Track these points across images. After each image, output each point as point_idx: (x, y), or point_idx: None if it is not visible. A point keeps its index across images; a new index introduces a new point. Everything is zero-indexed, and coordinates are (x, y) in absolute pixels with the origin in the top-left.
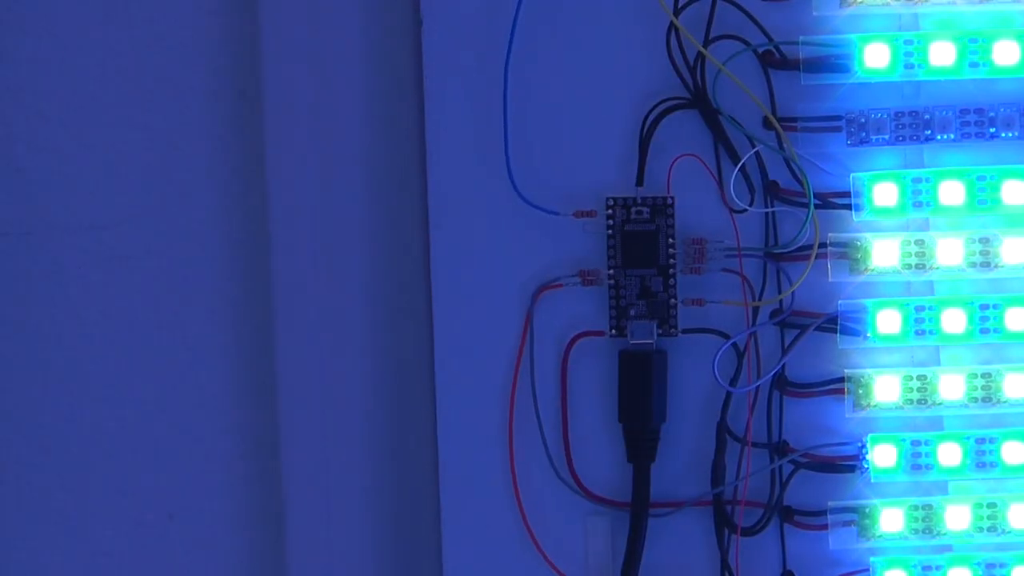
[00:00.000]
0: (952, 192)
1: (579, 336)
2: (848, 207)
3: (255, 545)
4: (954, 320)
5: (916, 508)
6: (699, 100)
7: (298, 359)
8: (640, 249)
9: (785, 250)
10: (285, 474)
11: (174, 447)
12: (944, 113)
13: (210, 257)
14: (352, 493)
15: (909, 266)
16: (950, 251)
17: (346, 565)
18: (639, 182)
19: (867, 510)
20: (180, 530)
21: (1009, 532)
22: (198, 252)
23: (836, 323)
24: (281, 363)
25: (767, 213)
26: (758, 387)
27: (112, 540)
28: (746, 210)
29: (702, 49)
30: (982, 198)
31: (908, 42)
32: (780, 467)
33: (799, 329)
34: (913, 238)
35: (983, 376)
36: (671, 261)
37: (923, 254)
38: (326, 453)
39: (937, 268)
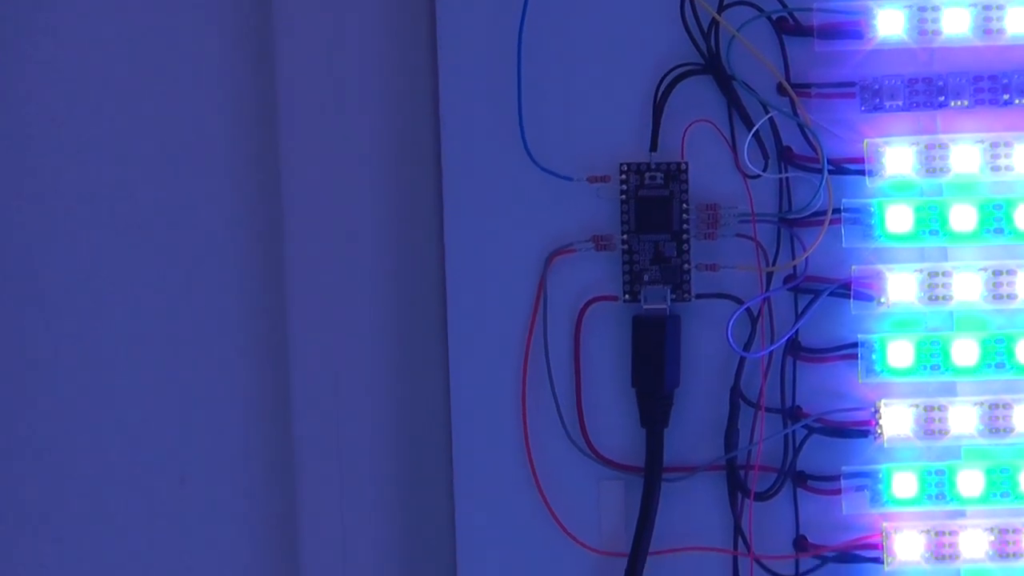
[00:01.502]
0: (966, 158)
1: (592, 301)
2: (862, 173)
3: (268, 508)
4: (967, 286)
5: (929, 473)
6: (713, 66)
7: (309, 315)
8: (654, 215)
9: (799, 216)
10: (297, 436)
11: (187, 412)
12: (958, 80)
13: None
14: (363, 457)
15: (923, 231)
16: (964, 217)
17: (359, 529)
18: (653, 148)
19: (880, 475)
20: (192, 494)
21: (1022, 497)
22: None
23: (849, 288)
24: (292, 320)
25: (781, 179)
26: (771, 352)
27: (125, 502)
28: (760, 176)
29: (716, 15)
30: (995, 164)
31: (922, 8)
32: (793, 432)
33: (813, 294)
34: (927, 203)
35: (997, 342)
36: (685, 227)
37: (937, 219)
38: (338, 416)
39: (951, 233)
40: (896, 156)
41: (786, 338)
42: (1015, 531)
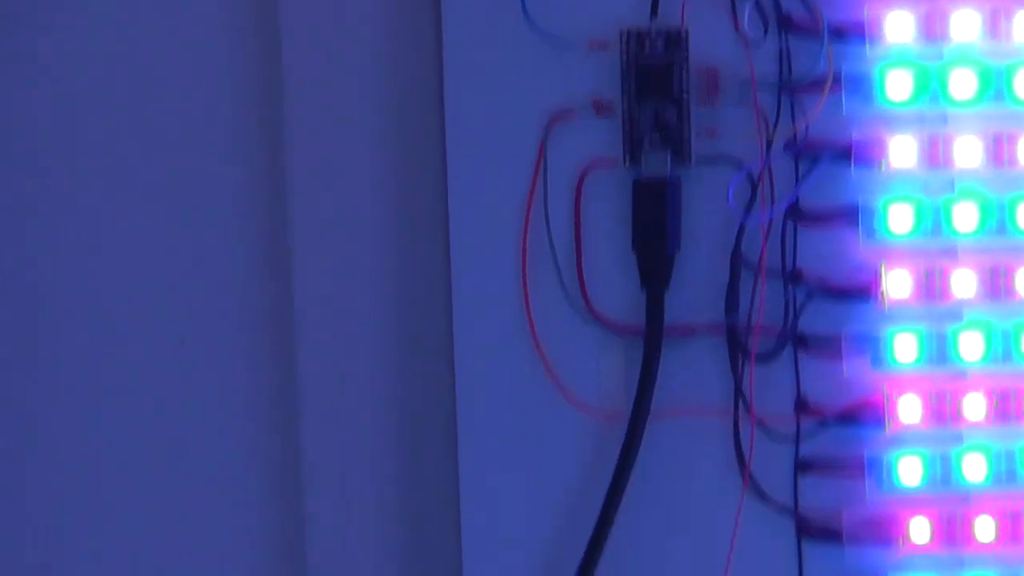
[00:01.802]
0: (966, 24)
1: (593, 166)
2: (862, 39)
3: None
4: (968, 151)
5: (930, 336)
6: None
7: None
8: (654, 82)
9: (799, 82)
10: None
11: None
12: None
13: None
14: (364, 315)
15: (923, 98)
16: (964, 83)
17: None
18: (653, 13)
19: (881, 338)
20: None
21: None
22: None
23: (850, 154)
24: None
25: (781, 46)
26: (772, 217)
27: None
28: (760, 42)
29: None
30: (995, 32)
31: None
32: (794, 295)
33: (813, 160)
34: (927, 69)
35: (999, 207)
36: (685, 94)
37: (937, 86)
38: (338, 282)
39: (951, 100)
40: (897, 22)
41: (787, 201)
42: (1016, 394)
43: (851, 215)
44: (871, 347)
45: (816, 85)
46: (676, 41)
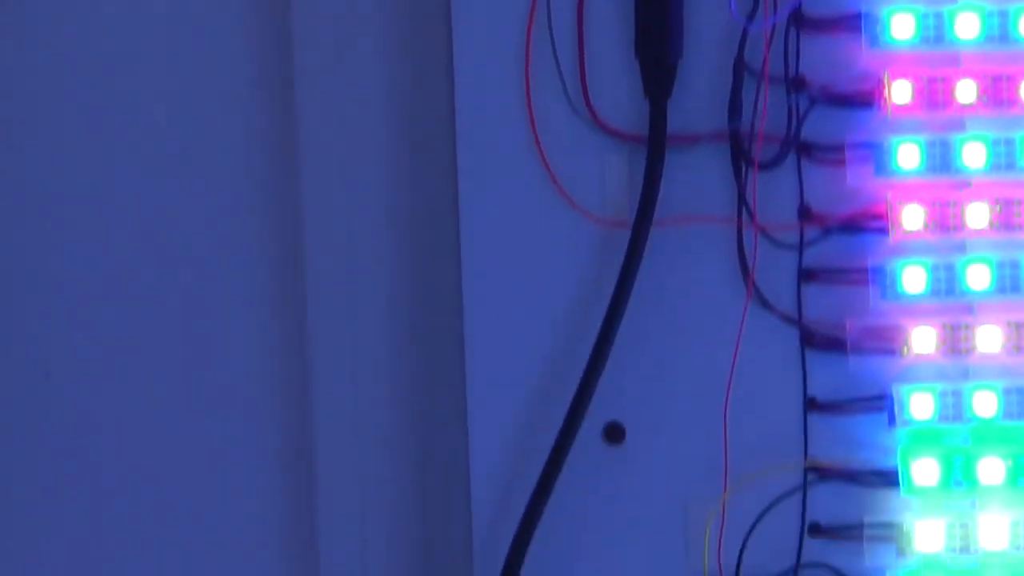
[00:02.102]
0: None
1: None
2: None
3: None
4: None
5: (933, 144)
6: None
7: None
8: None
9: None
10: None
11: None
12: None
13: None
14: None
15: None
16: None
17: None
18: None
19: (885, 146)
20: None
21: None
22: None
23: None
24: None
25: None
26: (775, 23)
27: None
28: None
29: None
30: None
31: None
32: (797, 102)
33: None
34: None
35: (1001, 16)
36: None
37: None
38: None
39: None
40: None
41: (789, 8)
42: (1019, 203)
43: (854, 22)
44: (874, 155)
45: None
46: None
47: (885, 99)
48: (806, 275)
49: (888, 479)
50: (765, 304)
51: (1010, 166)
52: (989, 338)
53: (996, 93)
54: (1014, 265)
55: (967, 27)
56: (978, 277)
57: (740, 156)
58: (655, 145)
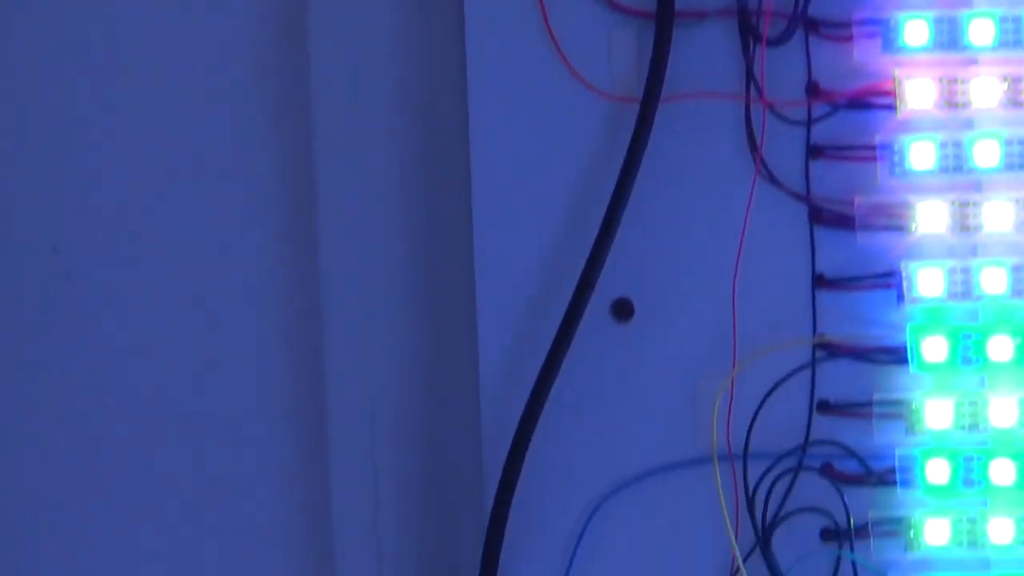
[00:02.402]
0: None
1: None
2: None
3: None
4: None
5: (940, 21)
6: None
7: None
8: None
9: None
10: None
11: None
12: None
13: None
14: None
15: None
16: None
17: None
18: None
19: (893, 21)
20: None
21: None
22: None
23: None
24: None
25: None
26: None
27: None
28: None
29: None
30: None
31: None
32: None
33: None
34: None
35: None
36: None
37: None
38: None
39: None
40: None
41: None
42: None
43: None
44: (882, 31)
45: None
46: None
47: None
48: (814, 151)
49: (897, 356)
50: (773, 180)
51: (1018, 43)
52: (998, 214)
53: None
54: (1022, 142)
55: None
56: (986, 153)
57: (748, 32)
58: (663, 21)
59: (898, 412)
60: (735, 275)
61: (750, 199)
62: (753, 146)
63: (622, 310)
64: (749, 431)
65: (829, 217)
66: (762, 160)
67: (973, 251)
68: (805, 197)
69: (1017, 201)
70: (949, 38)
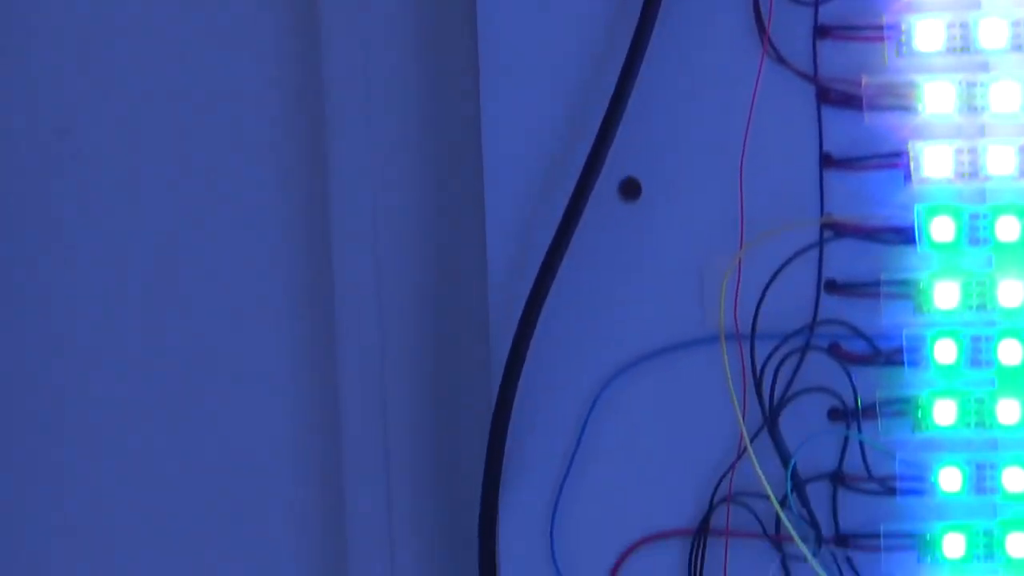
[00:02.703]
0: None
1: None
2: None
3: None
4: None
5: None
6: None
7: None
8: None
9: None
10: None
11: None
12: None
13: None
14: None
15: None
16: None
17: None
18: None
19: None
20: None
21: None
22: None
23: None
24: None
25: None
26: None
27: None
28: None
29: None
30: None
31: None
32: None
33: None
34: None
35: None
36: None
37: None
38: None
39: None
40: None
41: None
42: None
43: None
44: None
45: None
46: None
47: None
48: (821, 31)
49: (904, 236)
50: (781, 60)
51: None
52: (1005, 95)
53: None
54: None
55: None
56: (994, 34)
57: None
58: None
59: (906, 292)
60: (742, 155)
61: (757, 79)
62: (761, 26)
63: (629, 189)
64: (756, 311)
65: (837, 97)
66: (769, 40)
67: (980, 131)
68: (813, 77)
69: None
70: None
